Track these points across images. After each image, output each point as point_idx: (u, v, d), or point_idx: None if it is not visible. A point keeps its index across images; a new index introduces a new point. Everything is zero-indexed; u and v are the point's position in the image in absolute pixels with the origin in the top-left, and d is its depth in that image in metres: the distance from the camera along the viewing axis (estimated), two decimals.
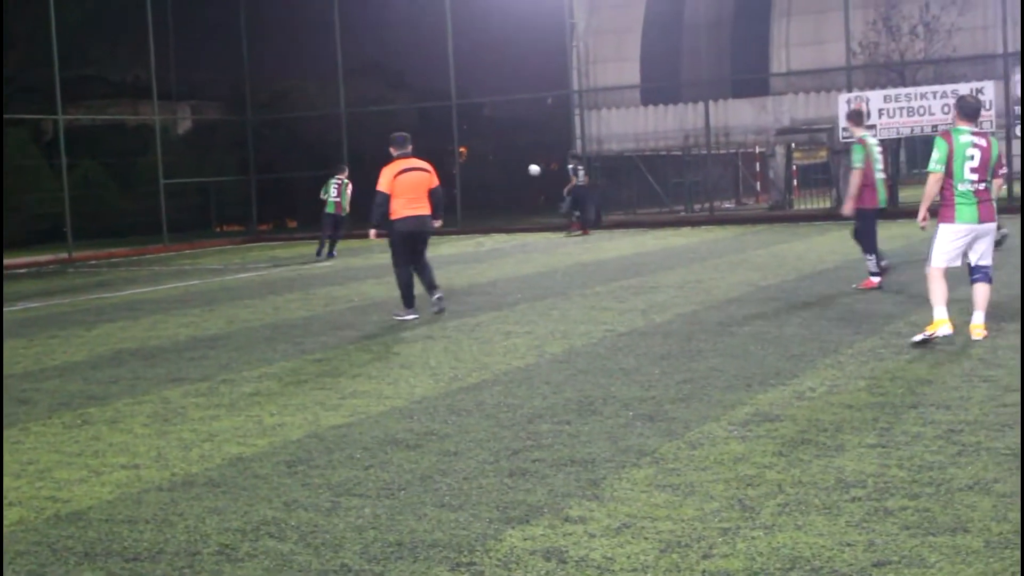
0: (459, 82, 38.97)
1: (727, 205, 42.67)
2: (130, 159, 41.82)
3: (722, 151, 40.59)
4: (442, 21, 38.19)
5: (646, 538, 5.51)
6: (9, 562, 5.66)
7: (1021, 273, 13.07)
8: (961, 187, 10.45)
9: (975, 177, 10.44)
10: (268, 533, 5.89)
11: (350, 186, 27.47)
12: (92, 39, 44.00)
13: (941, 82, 32.42)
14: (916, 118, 31.72)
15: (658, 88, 38.89)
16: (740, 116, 37.36)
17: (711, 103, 37.07)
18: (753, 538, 5.42)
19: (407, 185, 14.37)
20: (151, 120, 39.38)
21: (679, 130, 38.16)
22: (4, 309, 18.84)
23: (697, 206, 39.87)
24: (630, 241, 27.82)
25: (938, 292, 10.65)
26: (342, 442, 7.84)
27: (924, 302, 13.24)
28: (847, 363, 9.82)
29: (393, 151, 14.64)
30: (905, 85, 33.12)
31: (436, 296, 14.73)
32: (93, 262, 24.66)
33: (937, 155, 10.39)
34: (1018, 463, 6.44)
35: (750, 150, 41.47)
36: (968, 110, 10.71)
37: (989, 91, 30.68)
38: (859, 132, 15.40)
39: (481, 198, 34.32)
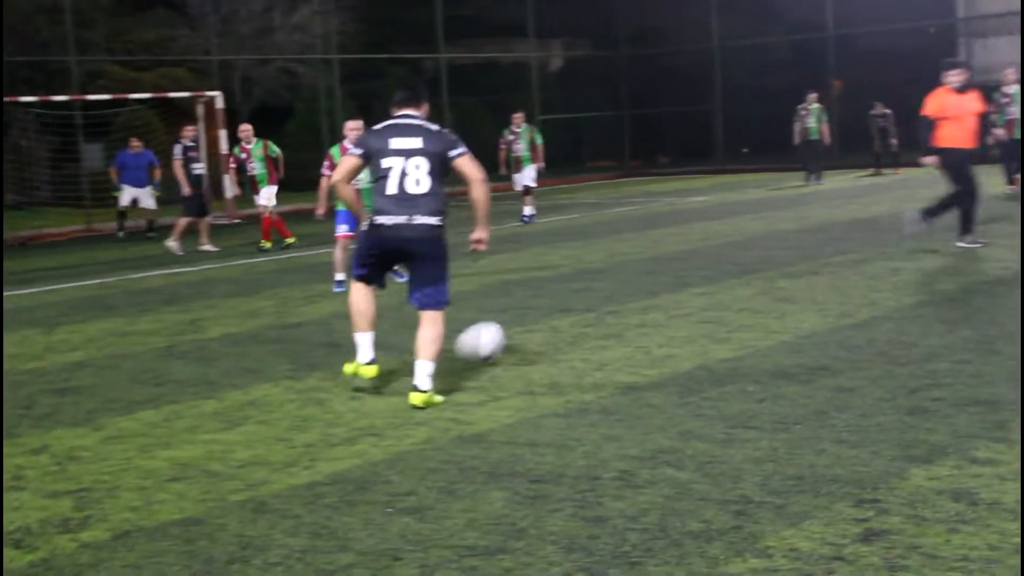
0: (835, 12, 37.88)
1: None
2: (506, 96, 42.79)
3: None
4: None
5: None
6: (421, 478, 5.95)
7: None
8: None
9: None
10: (666, 461, 5.96)
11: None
12: None
13: None
14: None
15: None
16: None
17: None
18: None
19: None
20: (527, 58, 40.21)
21: None
22: None
23: None
24: None
25: None
26: (733, 375, 7.83)
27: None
28: None
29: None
30: None
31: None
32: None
33: None
34: None
35: None
36: None
37: None
38: None
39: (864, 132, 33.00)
